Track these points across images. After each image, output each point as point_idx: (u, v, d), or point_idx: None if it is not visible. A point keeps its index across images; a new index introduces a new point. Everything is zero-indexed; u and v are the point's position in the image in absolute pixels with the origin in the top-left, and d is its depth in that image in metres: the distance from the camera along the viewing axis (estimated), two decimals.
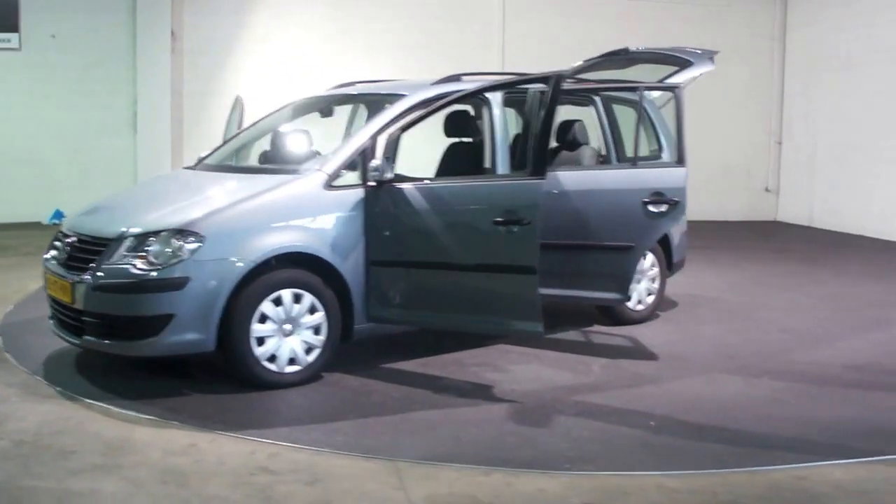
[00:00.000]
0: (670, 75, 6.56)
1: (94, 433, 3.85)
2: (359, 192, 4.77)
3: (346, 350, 4.92)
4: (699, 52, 6.77)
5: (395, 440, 3.82)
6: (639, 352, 5.55)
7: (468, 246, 4.60)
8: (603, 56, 7.39)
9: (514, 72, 4.74)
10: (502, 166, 5.33)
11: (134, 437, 3.81)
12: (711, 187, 14.23)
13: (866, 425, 4.17)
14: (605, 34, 12.26)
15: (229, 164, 5.66)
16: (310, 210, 4.67)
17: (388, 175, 4.68)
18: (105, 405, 4.22)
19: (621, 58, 7.12)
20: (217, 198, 4.64)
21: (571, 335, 5.92)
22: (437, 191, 4.70)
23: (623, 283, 5.28)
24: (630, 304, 6.22)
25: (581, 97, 6.25)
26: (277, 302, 4.50)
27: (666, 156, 6.56)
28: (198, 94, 13.51)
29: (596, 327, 6.15)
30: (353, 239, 4.73)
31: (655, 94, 6.70)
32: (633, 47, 7.13)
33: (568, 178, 5.44)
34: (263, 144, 5.93)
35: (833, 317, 6.67)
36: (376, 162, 4.64)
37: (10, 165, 12.28)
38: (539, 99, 5.01)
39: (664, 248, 6.46)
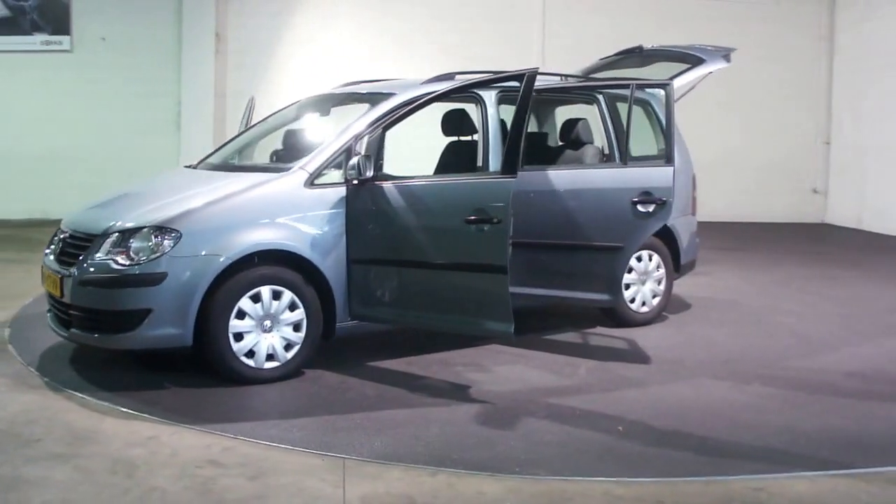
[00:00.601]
0: (681, 73, 6.43)
1: (65, 423, 3.96)
2: (340, 191, 4.79)
3: (333, 347, 4.98)
4: (713, 49, 6.64)
5: (353, 438, 3.83)
6: (632, 354, 5.44)
7: (441, 245, 4.59)
8: (618, 54, 7.35)
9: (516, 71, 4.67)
10: (494, 164, 5.32)
11: (101, 428, 3.90)
12: (757, 188, 13.90)
13: (846, 436, 4.01)
14: (647, 33, 12.00)
15: (230, 162, 5.74)
16: (290, 208, 4.71)
17: (368, 173, 4.69)
18: (85, 396, 4.34)
19: (636, 56, 7.06)
20: (200, 196, 4.70)
21: (569, 336, 5.85)
22: (413, 189, 4.69)
23: (612, 285, 5.19)
24: (633, 306, 6.13)
25: (585, 95, 6.17)
26: (256, 298, 4.56)
27: (675, 156, 6.42)
28: (241, 94, 13.68)
29: (598, 329, 6.07)
30: (334, 237, 4.76)
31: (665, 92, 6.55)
32: (647, 45, 7.07)
33: (556, 177, 5.38)
34: (271, 143, 6.00)
35: (850, 322, 6.44)
36: (354, 160, 4.66)
37: (60, 163, 12.74)
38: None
39: (671, 249, 6.34)
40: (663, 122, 6.32)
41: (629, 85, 5.44)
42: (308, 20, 13.89)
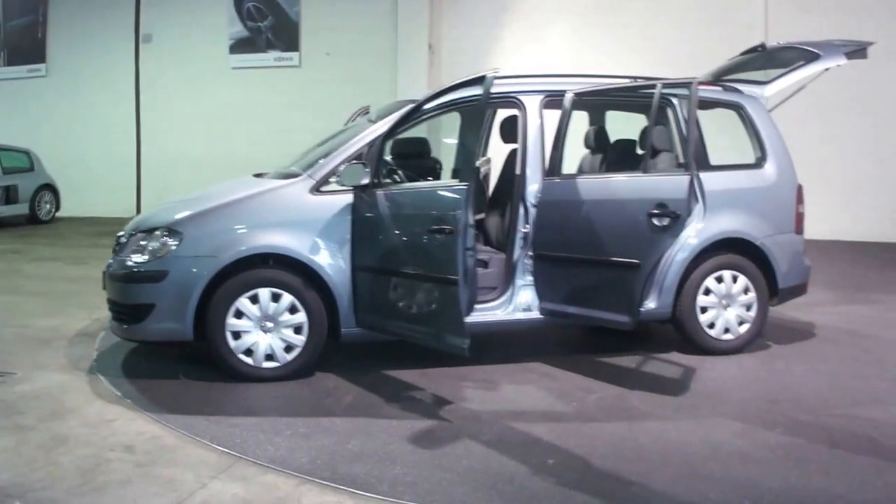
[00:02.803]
0: (788, 71, 5.69)
1: (59, 400, 4.45)
2: (347, 198, 4.86)
3: (368, 350, 5.21)
4: (840, 44, 5.78)
5: (271, 440, 3.89)
6: (667, 385, 4.89)
7: (411, 254, 4.49)
8: (743, 53, 6.63)
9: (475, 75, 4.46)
10: (532, 172, 5.13)
11: (81, 410, 4.34)
12: None
13: (814, 500, 3.32)
14: (869, 32, 10.67)
15: (290, 171, 6.00)
16: (293, 213, 4.86)
17: (363, 181, 4.71)
18: (102, 378, 4.84)
19: (759, 54, 6.34)
20: (216, 200, 5.01)
21: (627, 360, 5.41)
22: (397, 197, 4.65)
23: (630, 305, 4.68)
24: (712, 333, 5.52)
25: (662, 101, 5.62)
26: (255, 300, 4.76)
27: (771, 165, 5.67)
28: None
29: (671, 354, 5.53)
30: (338, 243, 4.83)
31: (768, 94, 5.81)
32: (769, 43, 6.31)
33: (582, 186, 5.00)
34: None
35: None
36: (343, 167, 4.70)
37: None
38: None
39: (764, 272, 5.58)
40: (759, 128, 5.64)
41: (654, 85, 4.89)
42: (517, 31, 14.03)
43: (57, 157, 14.79)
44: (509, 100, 5.38)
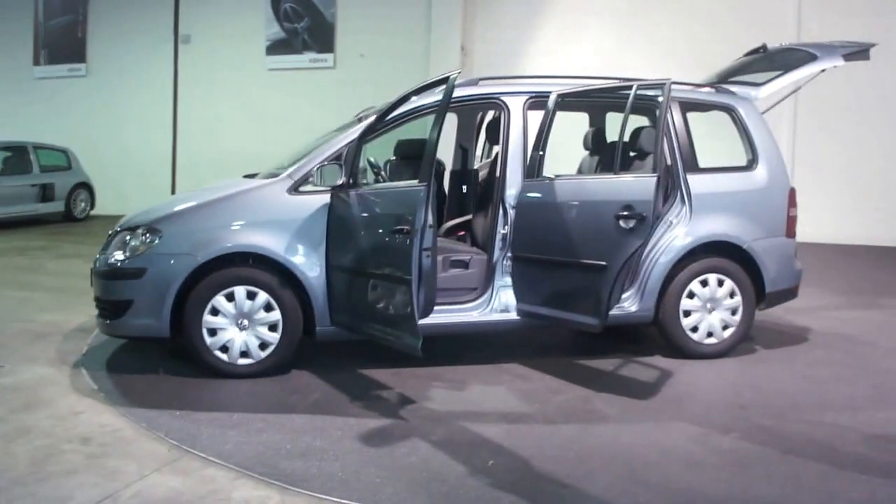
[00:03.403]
0: (784, 72, 5.61)
1: (36, 393, 4.62)
2: (324, 198, 4.93)
3: (350, 349, 5.27)
4: (839, 45, 5.69)
5: (225, 436, 3.97)
6: (639, 389, 4.85)
7: (375, 254, 4.54)
8: (746, 55, 6.54)
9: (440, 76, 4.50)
10: (512, 173, 5.17)
11: (54, 402, 4.48)
12: None
13: None
14: None
15: (277, 171, 6.10)
16: (271, 213, 4.95)
17: (339, 181, 4.79)
18: (84, 372, 5.02)
19: (761, 56, 6.27)
20: (197, 199, 5.12)
21: (604, 363, 5.39)
22: (366, 198, 4.71)
23: (597, 307, 4.65)
24: (695, 336, 5.46)
25: (648, 103, 5.57)
26: (232, 297, 4.87)
27: (762, 168, 5.57)
28: None
29: (655, 358, 5.48)
30: (314, 242, 4.90)
31: (762, 95, 5.72)
32: (771, 45, 6.22)
33: (555, 188, 4.97)
34: None
35: None
36: (316, 168, 4.78)
37: None
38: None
39: (751, 275, 5.49)
40: (751, 130, 5.56)
41: (632, 86, 4.84)
42: (550, 33, 13.97)
43: (95, 156, 15.26)
44: (492, 101, 5.39)
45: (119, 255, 4.98)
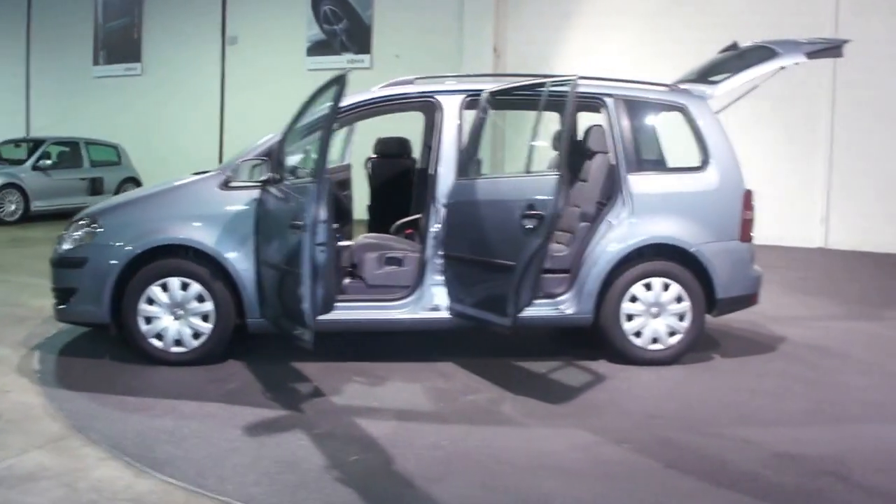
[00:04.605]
0: (741, 69, 5.47)
1: None
2: (254, 194, 5.05)
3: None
4: (806, 42, 5.52)
5: (116, 417, 4.15)
6: (558, 393, 4.79)
7: (280, 248, 4.62)
8: (721, 52, 6.40)
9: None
10: (445, 172, 5.19)
11: None
12: None
13: None
14: None
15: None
16: (204, 207, 5.10)
17: (263, 177, 4.91)
18: (36, 354, 5.29)
19: (733, 53, 6.13)
20: (140, 193, 5.33)
21: (545, 365, 5.31)
22: (277, 193, 4.79)
23: (502, 307, 4.60)
24: (638, 342, 5.33)
25: (594, 101, 5.48)
26: (166, 287, 5.04)
27: (714, 168, 5.41)
28: None
29: (600, 363, 5.38)
30: (243, 236, 5.02)
31: (718, 93, 5.56)
32: (742, 42, 6.07)
33: (476, 187, 4.96)
34: None
35: None
36: (239, 163, 4.90)
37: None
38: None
39: (701, 280, 5.34)
40: (703, 130, 5.43)
41: (544, 84, 4.77)
42: (583, 34, 13.83)
43: (146, 153, 15.87)
44: (427, 100, 5.41)
45: (66, 246, 5.21)
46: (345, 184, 7.52)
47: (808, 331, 6.52)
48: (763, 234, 12.16)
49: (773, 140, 12.26)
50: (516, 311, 4.57)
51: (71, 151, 14.53)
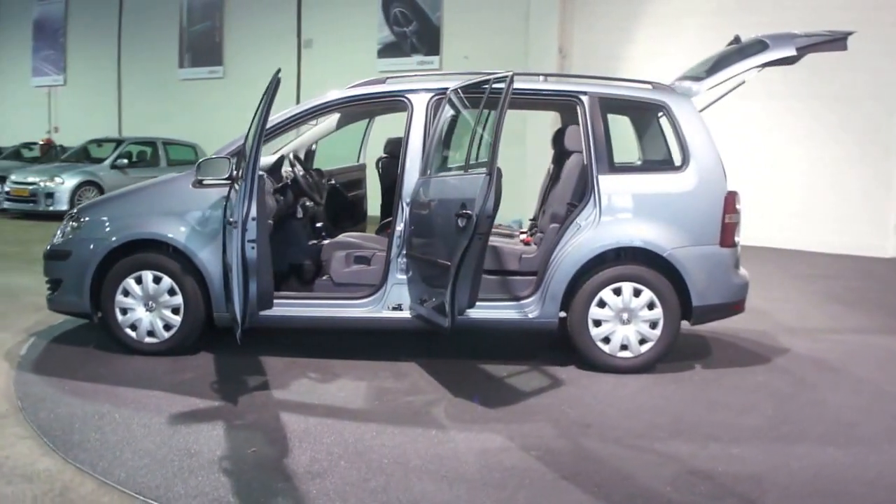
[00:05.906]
0: (729, 64, 5.29)
1: None
2: (223, 191, 5.20)
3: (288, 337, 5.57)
4: (803, 35, 5.26)
5: (65, 403, 4.37)
6: (504, 396, 4.73)
7: (227, 244, 4.73)
8: (728, 45, 6.18)
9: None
10: (412, 170, 5.22)
11: None
12: None
13: None
14: None
15: None
16: (177, 204, 5.29)
17: (223, 175, 5.06)
18: (26, 339, 5.62)
19: (734, 48, 5.93)
20: (121, 191, 5.59)
21: (509, 369, 5.26)
22: (232, 192, 4.91)
23: (441, 307, 4.54)
24: (606, 348, 5.19)
25: (570, 99, 5.37)
26: (140, 280, 5.26)
27: (693, 169, 5.20)
28: None
29: (570, 368, 5.28)
30: (212, 232, 5.18)
31: (704, 89, 5.36)
32: (744, 36, 5.85)
33: (430, 186, 4.95)
34: None
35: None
36: (202, 161, 5.06)
37: None
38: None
39: (676, 287, 5.14)
40: (681, 128, 5.24)
41: (489, 80, 4.70)
42: (651, 35, 13.49)
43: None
44: (397, 99, 5.42)
45: (55, 240, 5.52)
46: (359, 183, 7.64)
47: (817, 343, 6.15)
48: (825, 241, 11.58)
49: (841, 142, 11.58)
50: (454, 312, 4.50)
51: (149, 151, 15.28)
